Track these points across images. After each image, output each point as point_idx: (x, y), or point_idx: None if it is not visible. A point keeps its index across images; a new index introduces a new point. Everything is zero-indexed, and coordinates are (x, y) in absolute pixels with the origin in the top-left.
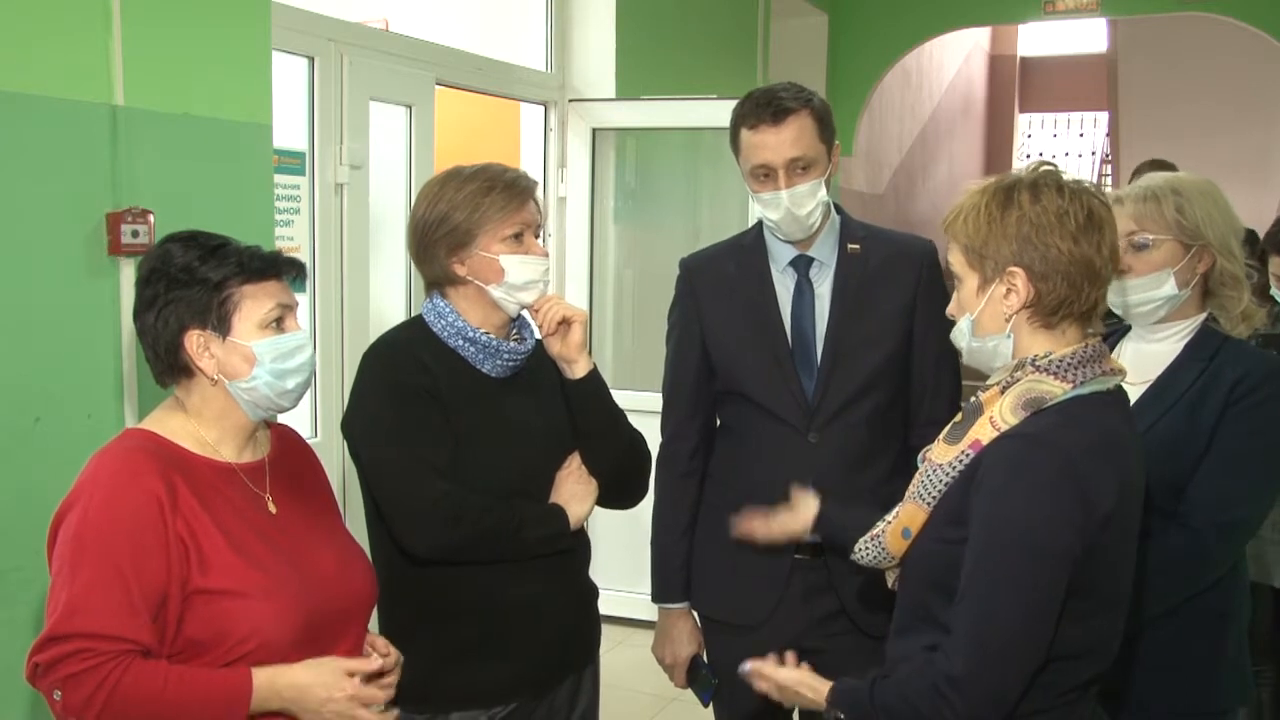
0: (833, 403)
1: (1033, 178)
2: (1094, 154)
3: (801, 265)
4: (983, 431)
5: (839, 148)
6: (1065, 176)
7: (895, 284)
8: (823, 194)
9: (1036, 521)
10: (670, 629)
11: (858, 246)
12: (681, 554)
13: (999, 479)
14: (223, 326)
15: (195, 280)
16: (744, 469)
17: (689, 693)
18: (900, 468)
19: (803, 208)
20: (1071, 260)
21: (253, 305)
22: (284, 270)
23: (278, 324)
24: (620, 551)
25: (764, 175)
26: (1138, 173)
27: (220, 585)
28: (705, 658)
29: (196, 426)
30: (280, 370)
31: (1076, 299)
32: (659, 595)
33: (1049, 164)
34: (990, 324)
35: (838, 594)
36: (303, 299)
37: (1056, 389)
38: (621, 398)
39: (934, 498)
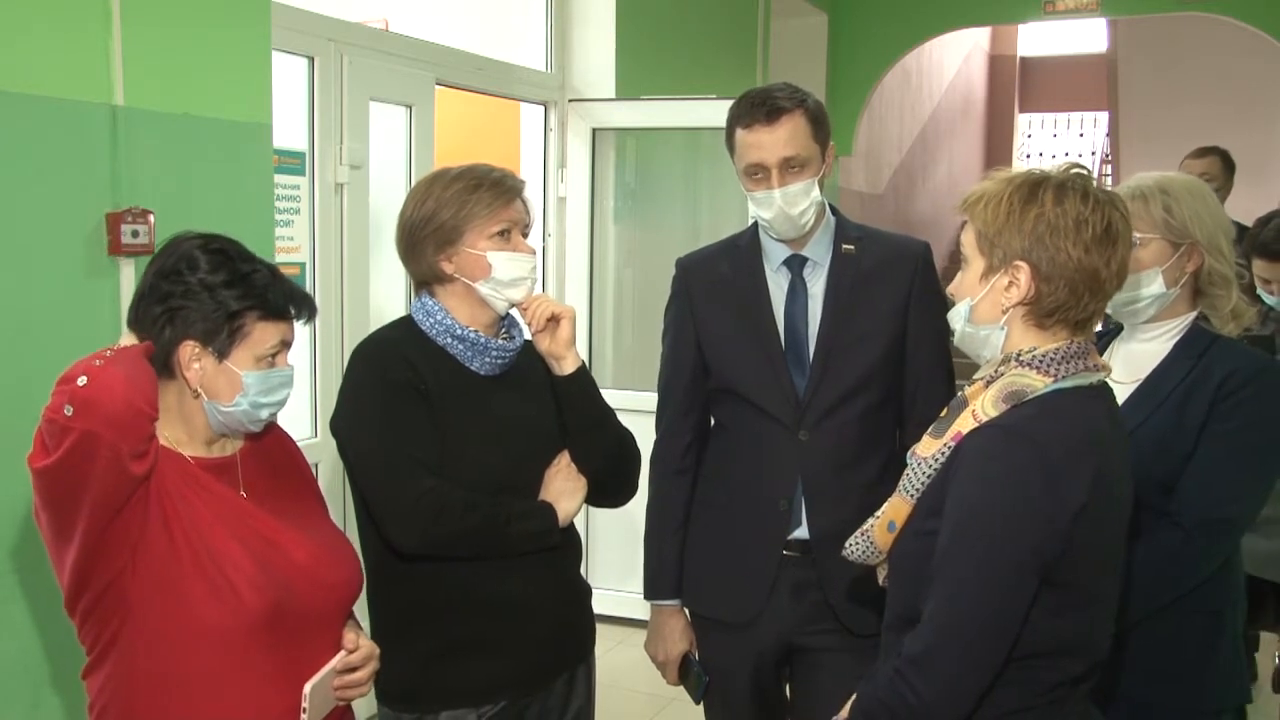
0: (824, 400)
1: (1062, 179)
2: (1094, 154)
3: (795, 264)
4: (965, 424)
5: (834, 149)
6: (1094, 184)
7: (889, 284)
8: (816, 194)
9: (1005, 510)
10: (662, 627)
11: (852, 247)
12: (673, 551)
13: (971, 468)
14: (223, 351)
15: (215, 302)
16: (735, 466)
17: (688, 692)
18: (891, 469)
19: (795, 206)
20: (1079, 268)
21: (259, 339)
22: (301, 312)
23: (272, 359)
24: (617, 551)
25: (758, 174)
26: (1189, 160)
27: (178, 564)
28: (697, 655)
29: (163, 423)
30: (259, 403)
31: (1075, 306)
32: (651, 593)
33: (1080, 167)
34: (987, 313)
35: (824, 591)
36: None
37: (1038, 382)
38: (621, 397)
39: (917, 490)
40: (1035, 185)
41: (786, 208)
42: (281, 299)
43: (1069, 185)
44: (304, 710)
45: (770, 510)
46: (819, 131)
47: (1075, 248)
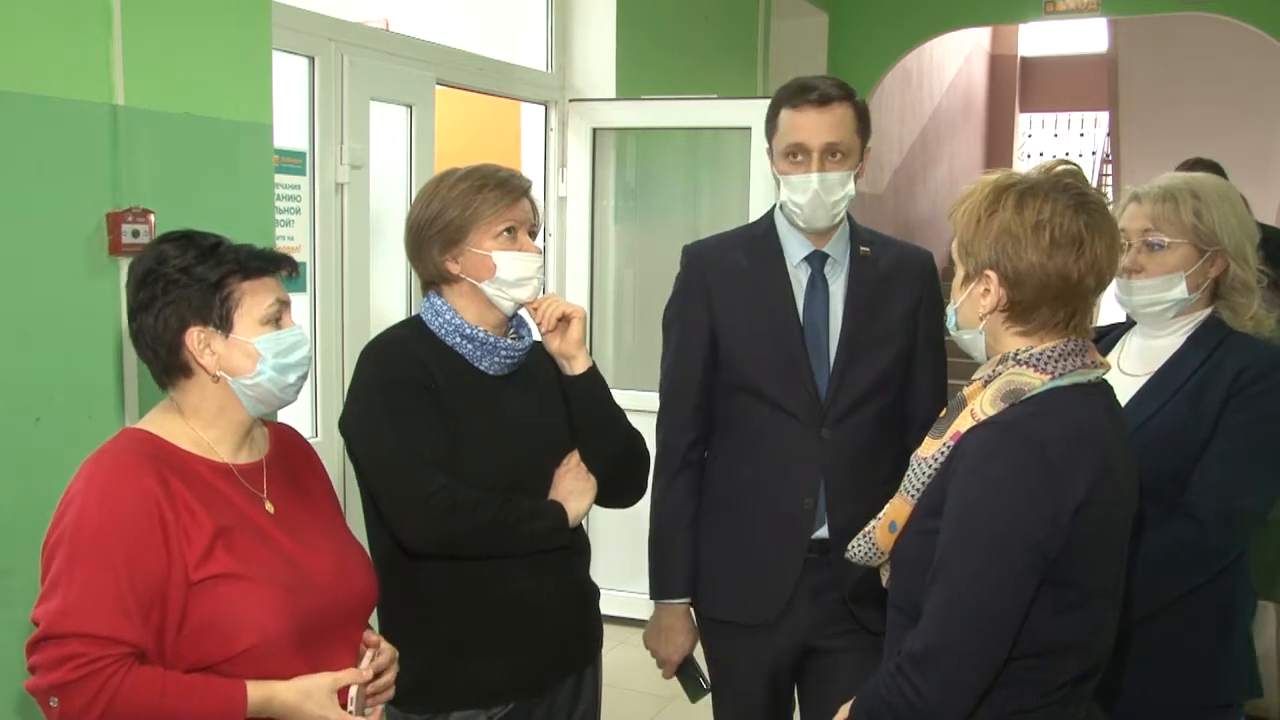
0: (846, 400)
1: (1030, 183)
2: (1094, 154)
3: (816, 261)
4: (964, 423)
5: (870, 152)
6: (1066, 183)
7: (902, 289)
8: (850, 188)
9: (1002, 507)
10: (667, 627)
11: (868, 249)
12: (684, 549)
13: (970, 466)
14: (225, 324)
15: (194, 280)
16: (750, 466)
17: (685, 690)
18: (901, 470)
19: (832, 195)
20: (1044, 272)
21: (253, 302)
22: (280, 267)
23: (276, 320)
24: (620, 551)
25: (798, 156)
26: (1180, 170)
27: (218, 582)
28: (701, 657)
29: (193, 427)
30: (282, 365)
31: (1048, 311)
32: (658, 591)
33: (1068, 164)
34: (968, 318)
35: (840, 590)
36: (303, 299)
37: (1035, 380)
38: (622, 397)
39: (918, 490)
40: (1000, 192)
41: (823, 194)
42: (254, 260)
43: (1036, 189)
44: (350, 708)
45: (794, 510)
46: (862, 127)
47: (1035, 254)
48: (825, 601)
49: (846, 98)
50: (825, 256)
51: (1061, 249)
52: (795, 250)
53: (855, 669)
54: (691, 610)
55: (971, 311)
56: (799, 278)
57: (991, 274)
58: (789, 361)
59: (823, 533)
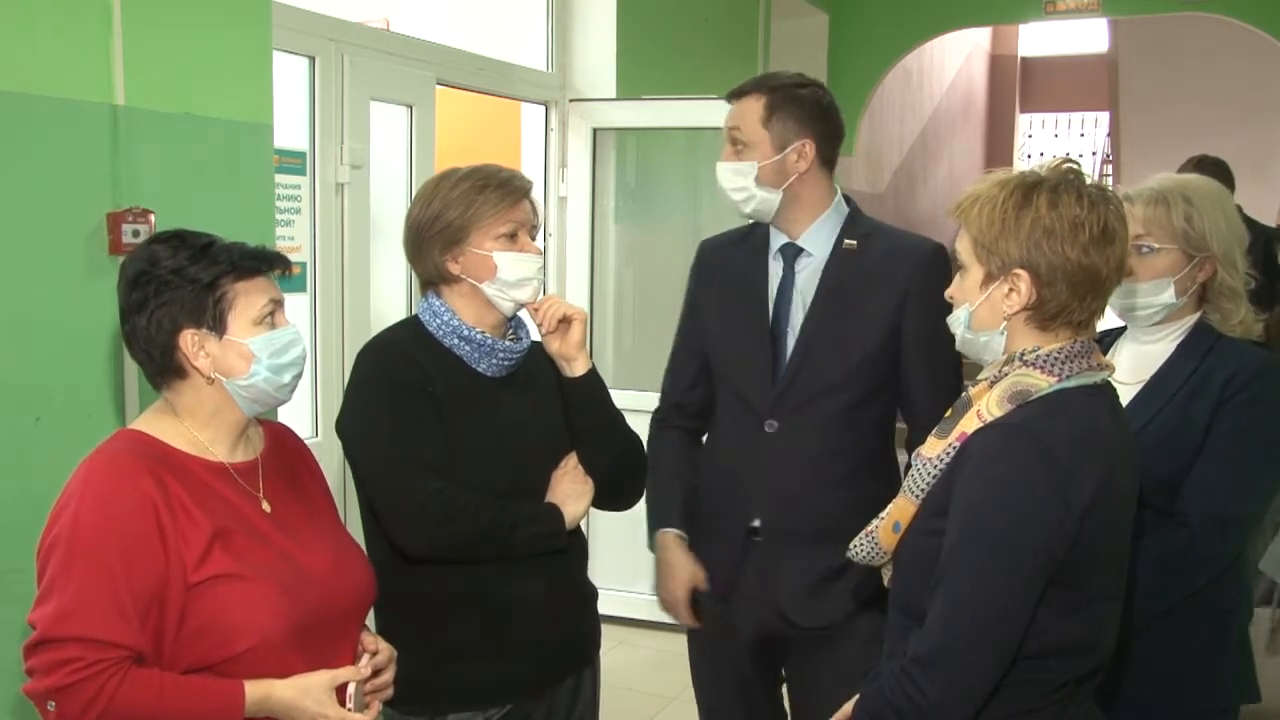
0: (799, 394)
1: (1055, 180)
2: (1094, 154)
3: (789, 254)
4: (970, 424)
5: (810, 146)
6: (1087, 181)
7: (886, 283)
8: (749, 180)
9: (1009, 508)
10: (665, 562)
11: (854, 243)
12: (675, 488)
13: (977, 468)
14: (218, 326)
15: (187, 281)
16: (721, 448)
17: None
18: (867, 473)
19: (725, 183)
20: (1078, 269)
21: (246, 303)
22: (273, 266)
23: (270, 320)
24: (619, 551)
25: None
26: (1187, 167)
27: (217, 583)
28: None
29: (188, 427)
30: (277, 365)
31: (1077, 308)
32: (656, 521)
33: (1073, 163)
34: (987, 320)
35: (766, 582)
36: (303, 299)
37: (1042, 382)
38: (622, 398)
39: (923, 490)
40: (1029, 189)
41: (720, 181)
42: (247, 260)
43: (1062, 187)
44: (349, 705)
45: (734, 493)
46: (774, 119)
47: (1074, 250)
48: (774, 588)
49: (757, 88)
50: (799, 250)
51: (1098, 246)
52: (774, 242)
53: (822, 650)
54: (684, 542)
55: (992, 313)
56: (776, 270)
57: (1022, 272)
58: (748, 350)
59: (755, 522)
